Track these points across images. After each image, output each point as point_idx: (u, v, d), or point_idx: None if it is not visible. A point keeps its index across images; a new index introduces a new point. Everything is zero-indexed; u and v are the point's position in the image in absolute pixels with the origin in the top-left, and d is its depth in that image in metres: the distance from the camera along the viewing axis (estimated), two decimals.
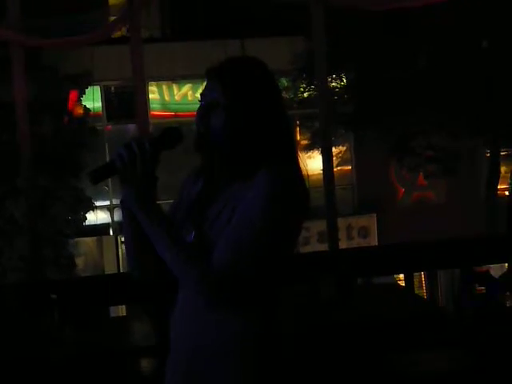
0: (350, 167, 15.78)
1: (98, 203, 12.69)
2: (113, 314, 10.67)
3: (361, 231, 15.08)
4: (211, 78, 2.27)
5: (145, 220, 2.21)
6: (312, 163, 13.99)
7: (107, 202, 14.58)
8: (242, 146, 2.22)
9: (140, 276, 2.44)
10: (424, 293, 12.46)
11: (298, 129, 15.49)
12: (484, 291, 6.62)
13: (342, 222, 14.41)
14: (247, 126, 2.22)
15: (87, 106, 13.10)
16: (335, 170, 14.90)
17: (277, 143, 2.25)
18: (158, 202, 2.27)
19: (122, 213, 2.32)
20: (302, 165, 2.32)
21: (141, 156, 2.17)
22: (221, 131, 2.22)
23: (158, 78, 14.63)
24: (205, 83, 2.31)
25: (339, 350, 4.51)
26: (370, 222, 15.16)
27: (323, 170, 6.00)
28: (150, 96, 15.05)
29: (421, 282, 13.09)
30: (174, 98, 15.12)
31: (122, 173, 2.19)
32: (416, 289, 12.70)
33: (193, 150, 2.27)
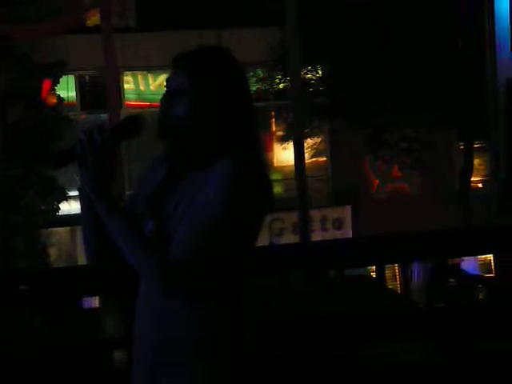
0: (325, 159, 15.78)
1: (71, 193, 12.60)
2: (86, 306, 10.62)
3: (335, 223, 15.09)
4: (177, 65, 2.27)
5: (102, 207, 2.19)
6: (287, 154, 14.01)
7: None
8: (203, 134, 2.21)
9: (97, 264, 2.46)
10: (398, 285, 12.51)
11: (273, 120, 15.49)
12: (455, 284, 6.65)
13: (316, 214, 14.45)
14: (210, 113, 2.21)
15: (61, 96, 13.04)
16: (310, 161, 15.00)
17: (240, 132, 2.25)
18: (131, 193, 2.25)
19: (80, 200, 2.33)
20: (264, 155, 2.33)
21: (100, 143, 2.15)
22: (184, 117, 2.21)
23: (134, 68, 14.56)
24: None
25: (308, 343, 4.51)
26: (345, 213, 15.18)
27: (295, 160, 5.99)
28: (126, 86, 14.97)
29: (394, 274, 13.15)
30: (149, 88, 15.05)
31: (81, 159, 2.18)
32: (389, 281, 12.78)
33: (156, 136, 2.25)
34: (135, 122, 2.24)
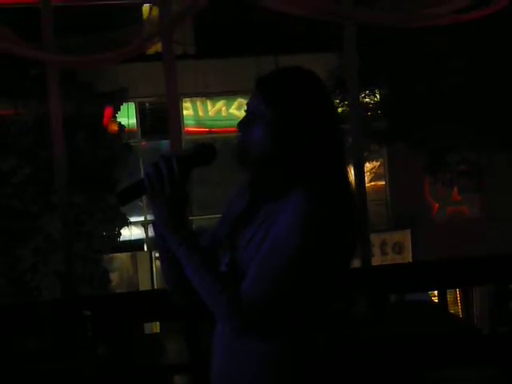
0: (383, 182, 15.71)
1: (132, 219, 12.73)
2: (147, 331, 10.69)
3: (395, 247, 14.99)
4: (259, 88, 2.14)
5: (173, 242, 2.12)
6: None
7: (142, 218, 14.63)
8: (280, 161, 2.08)
9: (179, 298, 2.35)
10: (459, 309, 12.37)
11: None
12: None
13: (376, 238, 14.38)
14: (286, 139, 2.07)
15: (122, 123, 13.20)
16: (369, 185, 14.95)
17: (320, 159, 2.09)
18: (200, 218, 2.19)
19: (155, 235, 2.22)
20: (349, 182, 2.15)
21: (168, 175, 2.07)
22: (260, 143, 2.10)
23: (192, 95, 14.69)
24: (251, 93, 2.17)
25: (371, 368, 4.48)
26: (405, 237, 15.07)
27: (355, 185, 5.99)
28: (184, 112, 15.11)
29: (456, 298, 12.99)
30: (207, 113, 15.15)
31: (150, 193, 2.11)
32: (451, 305, 12.63)
33: (234, 160, 2.15)
34: (207, 150, 2.15)
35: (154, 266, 13.98)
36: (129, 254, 13.77)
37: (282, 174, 2.09)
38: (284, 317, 2.07)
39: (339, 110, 13.99)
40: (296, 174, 2.09)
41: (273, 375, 2.11)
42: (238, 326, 2.07)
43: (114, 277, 12.71)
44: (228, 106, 14.86)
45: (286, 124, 2.08)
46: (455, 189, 14.77)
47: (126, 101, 13.55)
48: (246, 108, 2.17)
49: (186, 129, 14.93)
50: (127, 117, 14.39)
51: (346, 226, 2.08)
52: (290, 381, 2.12)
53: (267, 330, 2.08)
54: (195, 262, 2.09)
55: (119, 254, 13.34)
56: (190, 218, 2.23)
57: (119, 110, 13.18)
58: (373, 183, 15.36)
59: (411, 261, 14.63)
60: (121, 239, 12.47)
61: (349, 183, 2.15)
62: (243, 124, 2.14)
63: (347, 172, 2.17)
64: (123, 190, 2.15)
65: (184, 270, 2.12)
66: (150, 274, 14.04)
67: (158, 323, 11.63)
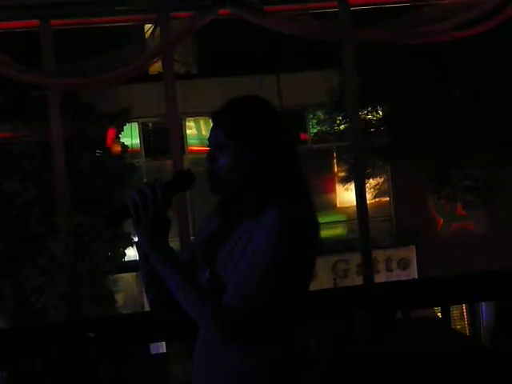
0: (388, 199, 15.71)
1: (136, 239, 12.73)
2: (153, 351, 10.65)
3: (400, 263, 14.97)
4: (218, 123, 2.34)
5: (157, 261, 2.29)
6: (350, 195, 13.97)
7: None
8: (248, 183, 2.29)
9: (162, 316, 2.55)
10: (465, 325, 12.32)
11: (334, 161, 15.51)
12: None
13: (381, 254, 14.38)
14: (251, 164, 2.28)
15: (125, 143, 13.23)
16: (373, 201, 14.94)
17: (283, 180, 2.30)
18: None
19: (138, 255, 2.41)
20: (311, 197, 2.35)
21: (152, 200, 2.26)
22: (228, 170, 2.29)
23: (195, 114, 14.73)
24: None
25: None
26: (410, 253, 15.05)
27: (356, 201, 5.99)
28: (188, 131, 15.16)
29: (462, 314, 12.94)
30: None
31: (135, 217, 2.29)
32: (457, 321, 12.59)
33: (209, 191, 2.35)
34: (186, 176, 2.35)
35: None
36: (134, 274, 13.74)
37: (252, 194, 2.29)
38: (264, 324, 2.22)
39: (342, 127, 14.06)
40: (267, 193, 2.28)
41: (251, 381, 2.25)
42: (221, 335, 2.22)
43: (119, 297, 12.70)
44: None
45: (247, 149, 2.28)
46: (459, 204, 14.75)
47: (129, 121, 13.59)
48: (207, 143, 2.37)
49: (189, 148, 14.97)
50: (131, 137, 14.43)
51: (314, 239, 2.29)
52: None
53: (248, 340, 2.23)
54: (179, 279, 2.26)
55: (124, 275, 13.33)
56: (191, 236, 2.41)
57: (122, 131, 13.23)
58: (377, 199, 15.36)
59: (416, 277, 14.60)
60: (126, 259, 12.47)
61: (311, 198, 2.35)
62: (210, 157, 2.34)
63: (308, 187, 2.37)
64: (110, 214, 2.37)
65: (168, 286, 2.28)
66: None
67: (163, 343, 11.62)
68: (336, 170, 15.62)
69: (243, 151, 2.28)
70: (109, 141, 12.64)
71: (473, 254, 13.40)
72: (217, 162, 2.31)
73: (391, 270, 14.83)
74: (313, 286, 2.45)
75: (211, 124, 2.38)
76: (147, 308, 2.69)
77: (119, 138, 13.15)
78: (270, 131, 2.31)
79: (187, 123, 15.07)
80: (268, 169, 2.28)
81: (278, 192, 2.27)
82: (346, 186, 14.63)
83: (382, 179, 15.30)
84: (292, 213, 2.22)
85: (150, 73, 12.21)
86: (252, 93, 2.42)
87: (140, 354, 5.76)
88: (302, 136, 15.46)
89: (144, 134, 15.08)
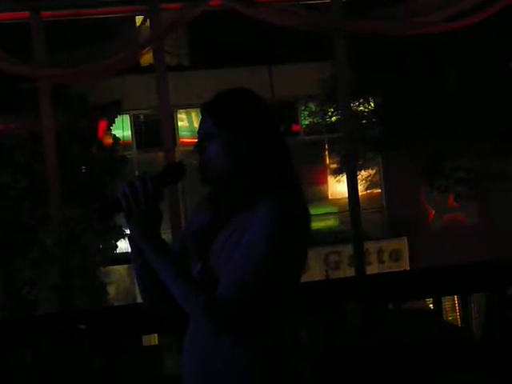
0: (379, 190, 15.71)
1: (128, 231, 12.71)
2: (145, 343, 10.64)
3: (392, 255, 14.98)
4: (208, 113, 2.34)
5: (150, 254, 2.29)
6: (342, 187, 13.98)
7: None
8: (238, 176, 2.29)
9: (153, 308, 2.53)
10: (457, 316, 12.35)
11: (326, 153, 15.51)
12: None
13: (372, 246, 14.39)
14: (239, 152, 2.28)
15: (117, 135, 13.20)
16: (365, 193, 14.95)
17: (272, 168, 2.30)
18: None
19: (130, 247, 2.40)
20: (302, 189, 2.35)
21: (143, 193, 2.26)
22: (217, 161, 2.29)
23: (187, 106, 14.70)
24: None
25: (366, 377, 4.48)
26: (401, 245, 15.07)
27: (348, 193, 5.99)
28: (180, 124, 15.13)
29: (454, 305, 12.98)
30: None
31: (126, 210, 2.28)
32: (449, 312, 12.62)
33: (199, 182, 2.34)
34: (177, 168, 2.34)
35: None
36: (126, 266, 13.72)
37: (241, 184, 2.29)
38: (257, 316, 2.23)
39: (333, 118, 14.06)
40: (255, 183, 2.29)
41: (243, 373, 2.25)
42: (213, 327, 2.22)
43: (111, 289, 12.68)
44: None
45: (236, 138, 2.28)
46: (451, 196, 14.77)
47: (121, 113, 13.56)
48: (197, 134, 2.37)
49: (181, 140, 14.94)
50: (122, 129, 14.40)
51: (307, 231, 2.30)
52: (259, 378, 2.26)
53: (240, 332, 2.23)
54: (172, 271, 2.25)
55: (116, 267, 13.31)
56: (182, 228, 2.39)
57: (114, 123, 13.20)
58: (369, 191, 15.36)
59: (408, 268, 14.62)
60: (117, 251, 12.45)
61: (302, 188, 2.35)
62: (199, 147, 2.34)
63: (299, 178, 2.36)
64: (101, 207, 2.36)
65: (161, 278, 2.28)
66: None
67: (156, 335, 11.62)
68: (328, 161, 15.62)
69: (232, 140, 2.28)
70: (100, 133, 12.61)
71: (464, 245, 13.41)
72: (206, 151, 2.31)
73: (383, 262, 14.84)
74: (305, 278, 2.45)
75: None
76: (139, 300, 2.68)
77: (111, 130, 13.12)
78: (259, 120, 2.32)
79: (179, 115, 15.04)
80: (256, 157, 2.27)
81: (269, 183, 2.27)
82: (337, 178, 14.64)
83: (374, 171, 15.30)
84: (287, 206, 2.23)
85: (142, 65, 12.20)
86: (244, 85, 2.42)
87: (132, 346, 5.75)
88: (294, 128, 15.45)
89: (135, 126, 15.04)
